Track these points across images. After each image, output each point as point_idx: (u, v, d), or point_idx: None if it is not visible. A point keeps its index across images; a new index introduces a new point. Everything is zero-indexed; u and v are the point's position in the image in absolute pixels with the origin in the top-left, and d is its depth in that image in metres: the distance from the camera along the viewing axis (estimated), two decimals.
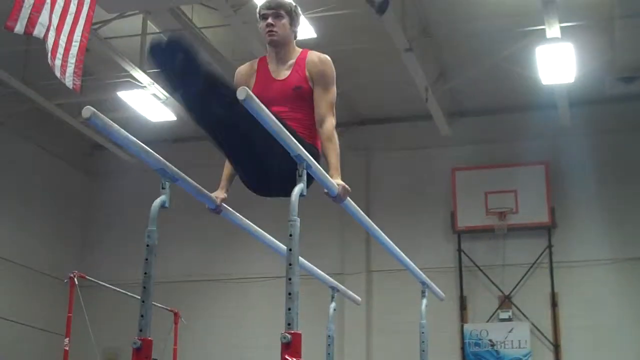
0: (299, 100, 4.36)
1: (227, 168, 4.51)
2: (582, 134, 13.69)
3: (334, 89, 4.43)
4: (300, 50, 4.51)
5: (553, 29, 10.53)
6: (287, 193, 3.60)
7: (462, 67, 12.64)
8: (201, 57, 3.83)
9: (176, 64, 3.74)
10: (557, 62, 11.14)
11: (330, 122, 4.31)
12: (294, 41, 4.53)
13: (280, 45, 4.46)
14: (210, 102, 3.86)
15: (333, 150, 4.24)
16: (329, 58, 4.45)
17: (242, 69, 4.56)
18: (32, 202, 14.55)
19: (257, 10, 4.52)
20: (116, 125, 3.37)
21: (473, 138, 14.29)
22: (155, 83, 12.07)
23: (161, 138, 13.93)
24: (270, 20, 4.43)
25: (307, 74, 4.39)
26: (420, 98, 12.42)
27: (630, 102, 13.40)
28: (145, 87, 12.22)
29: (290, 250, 3.46)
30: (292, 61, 4.46)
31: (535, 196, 13.64)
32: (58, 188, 15.23)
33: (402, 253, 5.36)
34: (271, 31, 4.42)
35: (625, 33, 11.05)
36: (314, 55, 4.45)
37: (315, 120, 4.34)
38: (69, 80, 8.18)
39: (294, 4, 4.55)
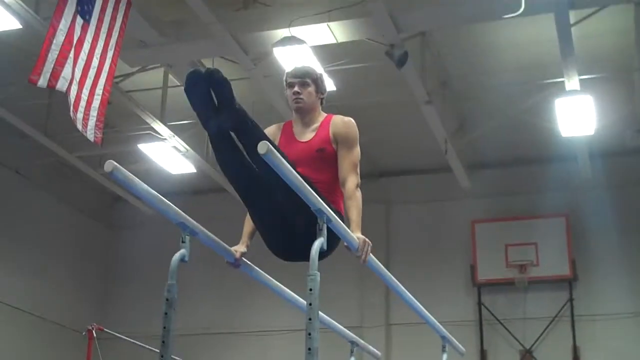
0: (322, 162, 4.40)
1: (248, 224, 4.52)
2: (603, 186, 13.60)
3: (358, 150, 4.47)
4: (325, 114, 4.60)
5: (572, 82, 10.54)
6: (309, 257, 3.59)
7: (481, 119, 12.65)
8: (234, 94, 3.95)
9: (213, 92, 3.91)
10: (577, 114, 11.12)
11: (352, 181, 4.33)
12: (320, 107, 4.62)
13: (306, 112, 4.55)
14: (241, 141, 3.96)
15: (355, 208, 4.25)
16: (353, 121, 4.53)
17: (269, 130, 4.59)
18: (51, 253, 14.59)
19: (284, 77, 4.62)
20: (137, 179, 3.38)
21: (493, 190, 14.25)
22: (175, 135, 12.16)
23: (181, 190, 13.97)
24: (296, 88, 4.52)
25: (330, 136, 4.44)
26: (440, 150, 12.43)
27: None
28: (165, 139, 12.30)
29: (310, 304, 3.44)
30: (316, 124, 4.53)
31: (556, 249, 13.54)
32: (78, 240, 15.28)
33: (422, 307, 5.32)
34: (297, 99, 4.51)
35: None
36: (338, 119, 4.53)
37: (339, 179, 4.37)
38: (90, 133, 8.25)
39: (319, 72, 4.65)
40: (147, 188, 3.47)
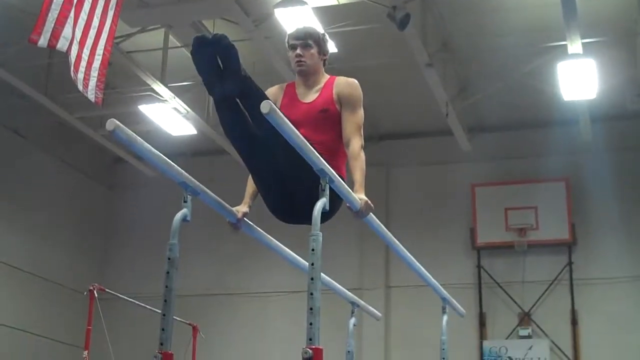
0: (325, 123, 4.38)
1: (251, 185, 4.51)
2: (603, 150, 13.59)
3: (361, 112, 4.45)
4: (328, 76, 4.56)
5: (575, 45, 10.50)
6: (310, 219, 3.57)
7: (483, 83, 12.61)
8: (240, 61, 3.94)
9: (219, 58, 3.92)
10: (579, 78, 11.10)
11: (357, 143, 4.31)
12: (323, 68, 4.58)
13: (309, 74, 4.52)
14: (245, 105, 3.96)
15: (359, 169, 4.24)
16: (356, 82, 4.49)
17: (270, 90, 4.57)
18: (52, 214, 14.63)
19: (286, 39, 4.57)
20: (139, 139, 3.37)
21: (493, 154, 14.25)
22: (176, 97, 12.12)
23: (181, 152, 13.97)
24: (299, 50, 4.48)
25: (334, 96, 4.42)
26: (441, 113, 12.40)
27: None
28: (166, 100, 12.27)
29: (312, 264, 3.45)
30: (319, 86, 4.50)
31: (555, 213, 13.57)
32: (79, 201, 15.30)
33: (423, 268, 5.34)
34: (300, 61, 4.48)
35: None
36: (341, 80, 4.49)
37: (343, 141, 4.36)
38: (91, 94, 8.23)
39: (321, 32, 4.61)
40: (150, 147, 3.46)
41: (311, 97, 4.48)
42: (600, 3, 10.67)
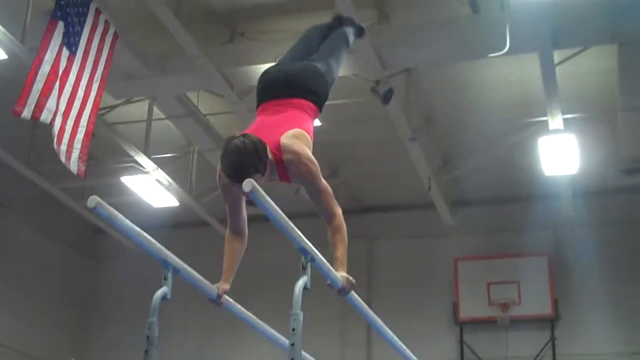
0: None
1: (228, 257, 4.45)
2: (586, 225, 13.62)
3: (323, 182, 4.18)
4: (273, 159, 4.07)
5: (556, 121, 10.60)
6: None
7: (465, 157, 12.69)
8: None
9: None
10: (560, 153, 11.17)
11: (336, 215, 4.17)
12: (268, 164, 4.02)
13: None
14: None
15: (341, 244, 4.13)
16: (302, 152, 4.14)
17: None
18: (31, 285, 14.42)
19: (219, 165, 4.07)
20: (120, 215, 3.35)
21: (476, 228, 14.25)
22: (159, 168, 12.11)
23: (163, 223, 13.87)
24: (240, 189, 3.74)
25: (291, 177, 4.17)
26: (423, 187, 12.43)
27: (634, 195, 13.37)
28: (148, 172, 12.25)
29: (292, 344, 3.41)
30: (274, 175, 4.18)
31: (538, 288, 13.52)
32: (58, 272, 15.12)
33: (406, 349, 5.28)
34: (247, 200, 4.08)
35: (627, 125, 11.10)
36: (288, 158, 4.11)
37: (321, 217, 4.22)
38: (73, 166, 8.21)
39: (254, 153, 3.92)
40: (130, 224, 3.44)
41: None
42: (581, 79, 10.81)
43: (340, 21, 5.24)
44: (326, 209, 4.19)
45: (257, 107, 4.57)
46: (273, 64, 4.80)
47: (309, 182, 4.16)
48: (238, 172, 3.77)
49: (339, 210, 4.21)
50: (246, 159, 3.84)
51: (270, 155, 4.01)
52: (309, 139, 4.33)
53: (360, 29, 5.39)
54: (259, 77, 4.68)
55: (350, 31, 5.25)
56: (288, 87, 4.48)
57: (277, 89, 4.49)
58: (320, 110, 4.60)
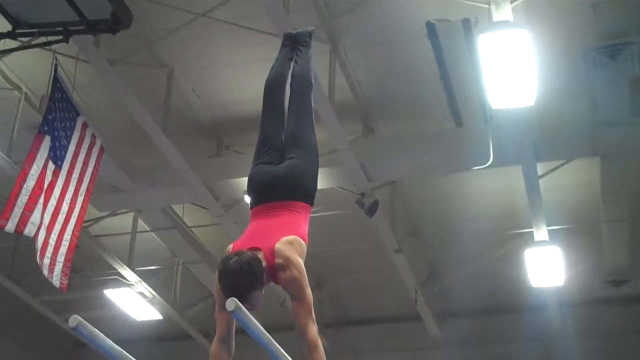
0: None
1: None
2: (573, 336, 13.49)
3: (308, 291, 4.14)
4: (267, 266, 4.12)
5: (541, 232, 10.64)
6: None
7: (451, 268, 12.66)
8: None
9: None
10: (546, 264, 11.17)
11: (312, 331, 4.05)
12: (265, 281, 4.15)
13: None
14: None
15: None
16: (293, 259, 4.13)
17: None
18: None
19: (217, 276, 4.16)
20: (102, 335, 3.28)
21: (463, 339, 14.09)
22: (142, 281, 12.00)
23: (146, 336, 13.68)
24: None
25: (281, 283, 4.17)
26: (410, 299, 12.34)
27: (620, 306, 13.33)
28: (132, 285, 12.13)
29: None
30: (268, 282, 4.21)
31: None
32: None
33: None
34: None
35: (611, 237, 11.14)
36: (280, 266, 4.13)
37: (297, 330, 4.10)
38: (56, 280, 8.12)
39: (251, 275, 4.03)
40: (112, 345, 3.37)
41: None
42: (564, 191, 10.90)
43: (292, 40, 5.00)
44: (306, 323, 4.07)
45: (250, 208, 4.62)
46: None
47: (294, 288, 4.15)
48: (238, 294, 3.76)
49: (314, 327, 4.09)
50: (243, 280, 3.97)
51: (264, 263, 4.10)
52: (304, 245, 4.35)
53: (310, 34, 5.08)
54: (248, 176, 4.67)
55: (309, 55, 5.00)
56: (280, 190, 4.47)
57: (268, 193, 4.49)
58: (312, 204, 4.55)
